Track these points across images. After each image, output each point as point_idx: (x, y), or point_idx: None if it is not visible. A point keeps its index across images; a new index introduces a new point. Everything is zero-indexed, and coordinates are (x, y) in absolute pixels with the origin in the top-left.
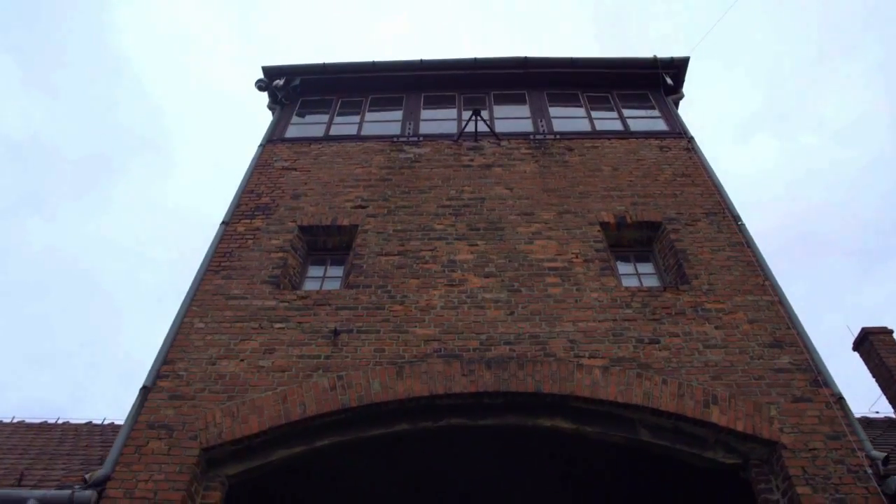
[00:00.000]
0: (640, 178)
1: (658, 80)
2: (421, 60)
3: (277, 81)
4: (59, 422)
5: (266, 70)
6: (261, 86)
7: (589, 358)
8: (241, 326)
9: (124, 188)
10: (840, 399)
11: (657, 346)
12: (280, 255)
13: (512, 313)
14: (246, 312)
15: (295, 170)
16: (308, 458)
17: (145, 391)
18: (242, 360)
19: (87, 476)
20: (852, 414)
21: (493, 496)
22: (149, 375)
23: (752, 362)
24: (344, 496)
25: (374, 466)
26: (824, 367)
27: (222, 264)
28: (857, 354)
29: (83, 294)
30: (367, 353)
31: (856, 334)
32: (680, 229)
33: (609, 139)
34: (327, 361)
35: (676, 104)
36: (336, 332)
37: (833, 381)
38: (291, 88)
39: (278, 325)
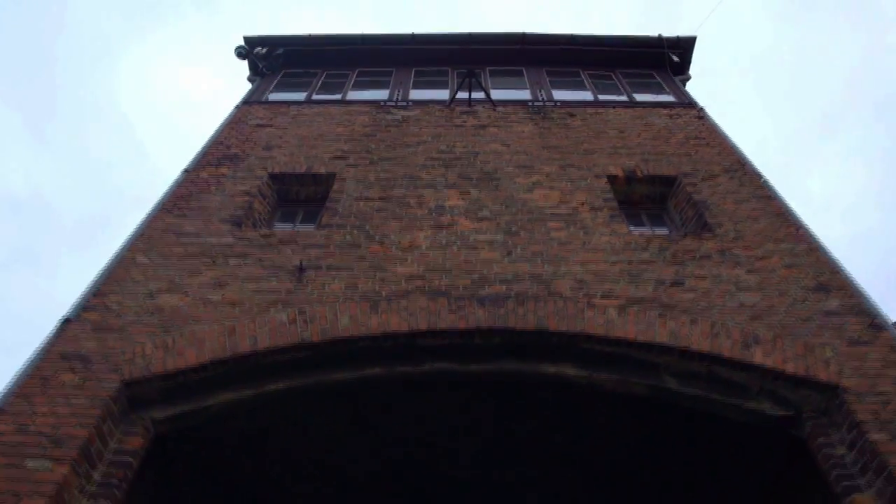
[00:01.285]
0: (650, 139)
1: (664, 59)
2: (412, 34)
3: (259, 49)
4: None
5: (248, 39)
6: (241, 52)
7: (601, 298)
8: (191, 262)
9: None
10: None
11: (681, 287)
12: (245, 198)
13: (509, 254)
14: (199, 249)
15: (271, 126)
16: (258, 408)
17: (65, 322)
18: (187, 294)
19: None
20: None
21: (486, 469)
22: (72, 308)
23: (796, 305)
24: (305, 469)
25: (339, 429)
26: (881, 311)
27: (178, 204)
28: None
29: None
30: (337, 289)
31: None
32: (697, 183)
33: (613, 107)
34: (289, 297)
35: (683, 84)
36: (301, 268)
37: (893, 328)
38: (274, 57)
39: (234, 261)
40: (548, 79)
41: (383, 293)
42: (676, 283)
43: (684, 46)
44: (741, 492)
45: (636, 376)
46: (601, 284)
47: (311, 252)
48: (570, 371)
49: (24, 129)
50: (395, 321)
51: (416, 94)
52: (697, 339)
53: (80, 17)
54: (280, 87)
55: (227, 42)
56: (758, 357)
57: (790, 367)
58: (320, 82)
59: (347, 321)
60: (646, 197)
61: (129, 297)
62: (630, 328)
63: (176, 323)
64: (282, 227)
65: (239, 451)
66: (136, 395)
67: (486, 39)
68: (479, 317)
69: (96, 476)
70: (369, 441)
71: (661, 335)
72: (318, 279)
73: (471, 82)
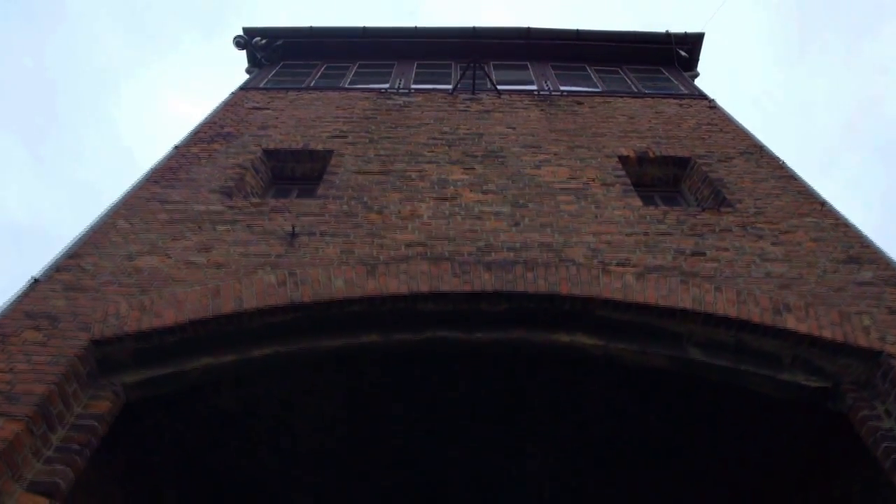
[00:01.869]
0: (661, 124)
1: (671, 55)
2: (415, 27)
3: (258, 40)
4: None
5: (247, 30)
6: (239, 42)
7: (617, 265)
8: (176, 227)
9: None
10: None
11: (703, 257)
12: (237, 171)
13: (517, 224)
14: (184, 215)
15: (267, 109)
16: (243, 379)
17: (34, 283)
18: (169, 257)
19: None
20: None
21: (494, 454)
22: (44, 271)
23: (827, 275)
24: (295, 453)
25: (331, 408)
26: None
27: (165, 176)
28: None
29: None
30: (332, 253)
31: None
32: (713, 164)
33: (622, 97)
34: (279, 260)
35: (692, 80)
36: (294, 233)
37: None
38: (273, 49)
39: (222, 227)
40: (553, 73)
41: (381, 258)
42: (697, 254)
43: (692, 42)
44: (777, 471)
45: (657, 346)
46: (616, 253)
47: (305, 220)
48: (584, 340)
49: (25, 157)
50: (394, 285)
51: (418, 87)
52: (723, 305)
53: (83, 46)
54: (278, 77)
55: (233, 67)
56: (790, 323)
57: (827, 334)
58: (320, 73)
59: (342, 284)
60: (658, 179)
61: (106, 259)
62: (650, 293)
63: (155, 284)
64: None
65: (223, 432)
66: (107, 355)
67: (490, 34)
68: (485, 281)
69: (55, 440)
70: (365, 422)
71: (683, 301)
72: (312, 244)
73: (475, 71)
